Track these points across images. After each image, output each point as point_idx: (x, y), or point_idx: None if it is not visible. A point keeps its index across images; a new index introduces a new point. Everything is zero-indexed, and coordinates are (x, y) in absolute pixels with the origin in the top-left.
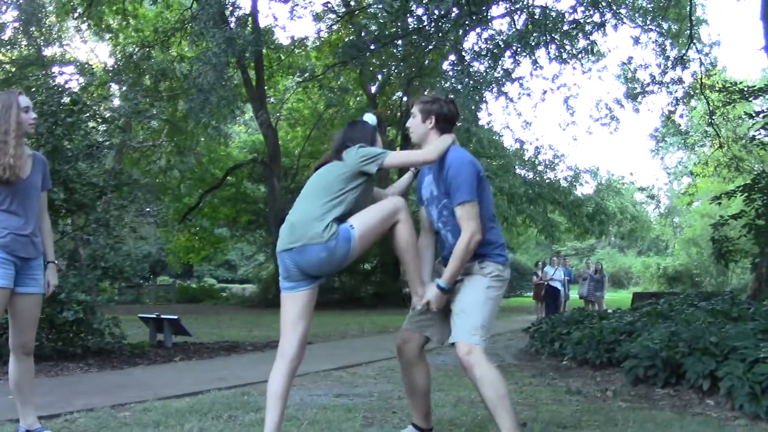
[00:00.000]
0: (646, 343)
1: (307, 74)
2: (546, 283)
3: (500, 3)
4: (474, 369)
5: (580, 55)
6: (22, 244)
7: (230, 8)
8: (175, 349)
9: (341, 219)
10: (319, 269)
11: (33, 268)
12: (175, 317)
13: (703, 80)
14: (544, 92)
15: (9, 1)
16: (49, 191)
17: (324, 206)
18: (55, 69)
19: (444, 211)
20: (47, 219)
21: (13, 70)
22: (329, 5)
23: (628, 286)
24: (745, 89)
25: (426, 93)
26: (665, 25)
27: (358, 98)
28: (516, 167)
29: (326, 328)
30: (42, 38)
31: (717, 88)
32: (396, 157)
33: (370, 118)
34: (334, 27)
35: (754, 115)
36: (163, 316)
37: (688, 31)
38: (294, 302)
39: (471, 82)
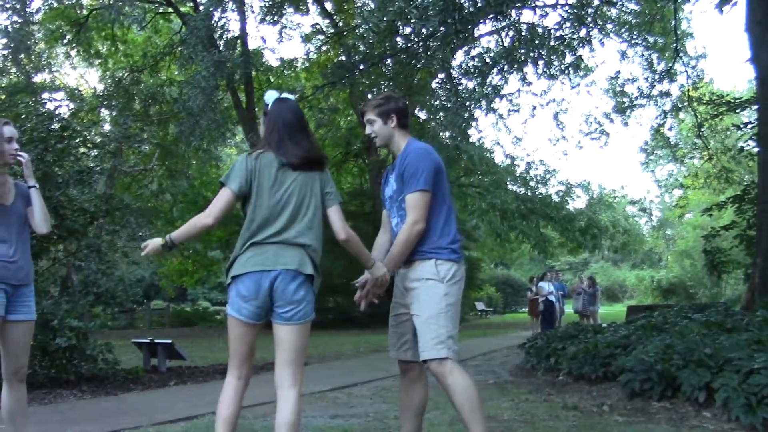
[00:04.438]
0: (641, 356)
1: (297, 95)
2: (544, 297)
3: (487, 21)
4: (446, 378)
5: (567, 71)
6: (12, 272)
7: (219, 31)
8: (170, 374)
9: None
10: None
11: (24, 295)
12: (169, 341)
13: (690, 93)
14: (534, 108)
15: None
16: None
17: None
18: (45, 95)
19: (403, 204)
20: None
21: (3, 97)
22: (317, 26)
23: (622, 299)
24: (732, 101)
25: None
26: (651, 39)
27: (348, 118)
28: (507, 183)
29: (321, 349)
30: (31, 65)
31: (704, 101)
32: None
33: (268, 96)
34: (323, 48)
35: (741, 126)
36: (156, 341)
37: (674, 45)
38: (255, 331)
39: (460, 99)
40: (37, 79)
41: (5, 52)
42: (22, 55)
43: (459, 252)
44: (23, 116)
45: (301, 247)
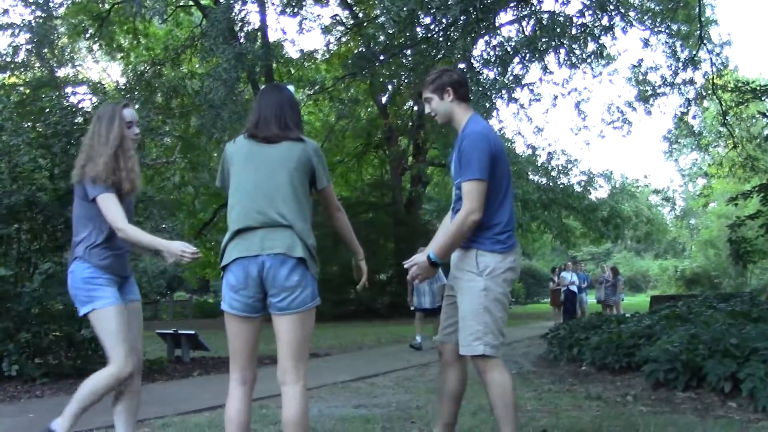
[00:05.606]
0: (665, 346)
1: (318, 87)
2: (566, 287)
3: (508, 10)
4: (486, 374)
5: (589, 59)
6: (122, 262)
7: (239, 24)
8: (193, 364)
9: None
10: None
11: (130, 283)
12: (193, 332)
13: (714, 80)
14: (555, 97)
15: (22, 24)
16: (66, 210)
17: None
18: (69, 89)
19: (457, 190)
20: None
21: (27, 91)
22: (337, 18)
23: (645, 289)
24: (758, 88)
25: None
26: (675, 27)
27: (368, 109)
28: (529, 173)
29: (343, 340)
30: (55, 59)
31: (729, 88)
32: None
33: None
34: (343, 39)
35: (767, 113)
36: (180, 332)
37: (698, 32)
38: (254, 326)
39: (480, 89)
40: (61, 73)
41: (29, 46)
42: (46, 50)
43: (507, 242)
44: (47, 110)
45: (289, 227)
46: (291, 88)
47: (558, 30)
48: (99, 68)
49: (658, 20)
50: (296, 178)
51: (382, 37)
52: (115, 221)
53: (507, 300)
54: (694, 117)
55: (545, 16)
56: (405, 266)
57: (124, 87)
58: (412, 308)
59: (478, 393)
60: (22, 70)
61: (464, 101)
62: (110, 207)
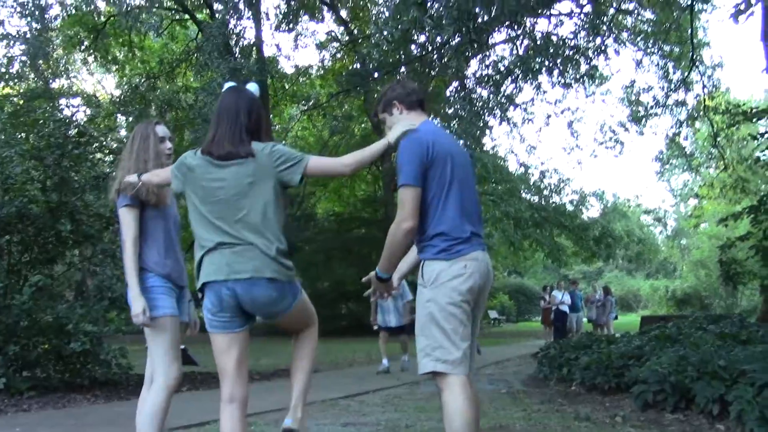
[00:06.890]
0: (654, 367)
1: (312, 102)
2: (555, 307)
3: (502, 30)
4: (442, 393)
5: (582, 80)
6: (179, 272)
7: (234, 39)
8: (182, 379)
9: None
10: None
11: (184, 296)
12: (182, 347)
13: (706, 102)
14: (548, 117)
15: (17, 35)
16: (57, 222)
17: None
18: (63, 101)
19: None
20: None
21: (21, 103)
22: (332, 34)
23: (636, 309)
24: (749, 111)
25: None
26: (667, 48)
27: (362, 125)
28: (521, 191)
29: (333, 356)
30: (49, 71)
31: (720, 110)
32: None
33: (225, 86)
34: (338, 55)
35: (758, 136)
36: None
37: (690, 54)
38: (238, 342)
39: (474, 108)
40: (55, 84)
41: (24, 57)
42: (41, 61)
43: (451, 249)
44: (41, 122)
45: (252, 246)
46: (253, 87)
47: (551, 50)
48: (94, 80)
49: (651, 41)
50: (254, 194)
51: (376, 55)
52: (127, 236)
53: (461, 311)
54: (685, 138)
55: (538, 36)
56: (363, 281)
57: (118, 99)
58: (375, 327)
59: None
60: (16, 80)
61: (414, 110)
62: (128, 222)
